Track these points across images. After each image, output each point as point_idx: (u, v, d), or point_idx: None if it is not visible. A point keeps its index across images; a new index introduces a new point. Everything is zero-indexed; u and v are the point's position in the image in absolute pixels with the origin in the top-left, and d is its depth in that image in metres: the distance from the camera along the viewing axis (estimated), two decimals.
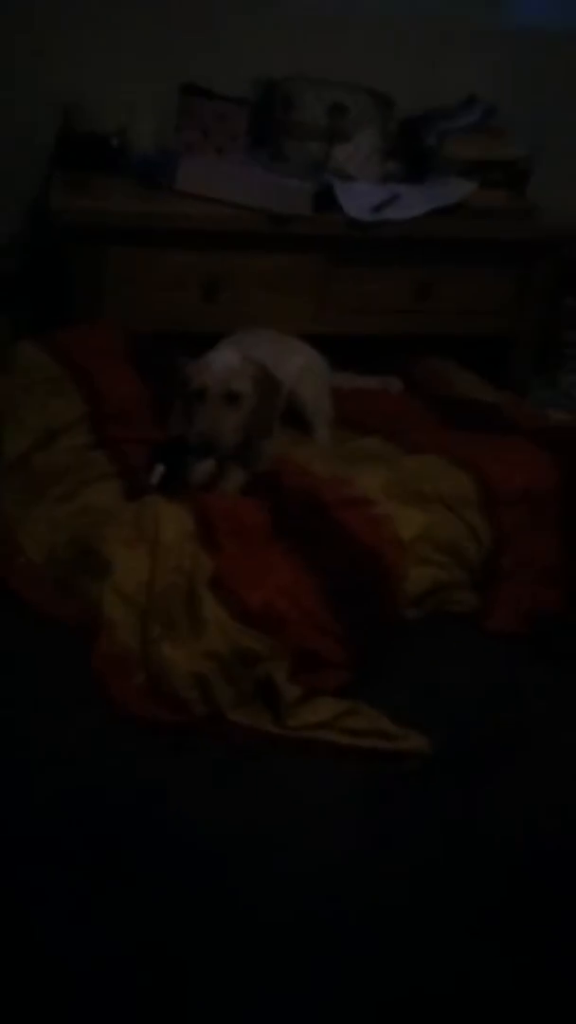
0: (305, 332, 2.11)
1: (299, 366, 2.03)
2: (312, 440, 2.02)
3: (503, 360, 2.34)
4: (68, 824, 1.19)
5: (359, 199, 2.08)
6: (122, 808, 1.23)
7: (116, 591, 1.47)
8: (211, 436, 1.70)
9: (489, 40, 2.34)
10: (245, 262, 2.08)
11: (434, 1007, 1.06)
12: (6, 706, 1.36)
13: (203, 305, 2.10)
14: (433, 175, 2.24)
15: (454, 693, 1.46)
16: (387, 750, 1.35)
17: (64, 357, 1.87)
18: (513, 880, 1.20)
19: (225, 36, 2.20)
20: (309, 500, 1.64)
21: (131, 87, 2.14)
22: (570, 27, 2.40)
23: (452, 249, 2.16)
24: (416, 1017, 1.05)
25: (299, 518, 1.61)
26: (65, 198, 1.99)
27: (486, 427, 1.95)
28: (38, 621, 1.49)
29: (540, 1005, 1.07)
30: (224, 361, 1.76)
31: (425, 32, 2.30)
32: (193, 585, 1.47)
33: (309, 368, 2.07)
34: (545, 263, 2.23)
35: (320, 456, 1.85)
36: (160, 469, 1.70)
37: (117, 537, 1.54)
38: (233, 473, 1.79)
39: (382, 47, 2.29)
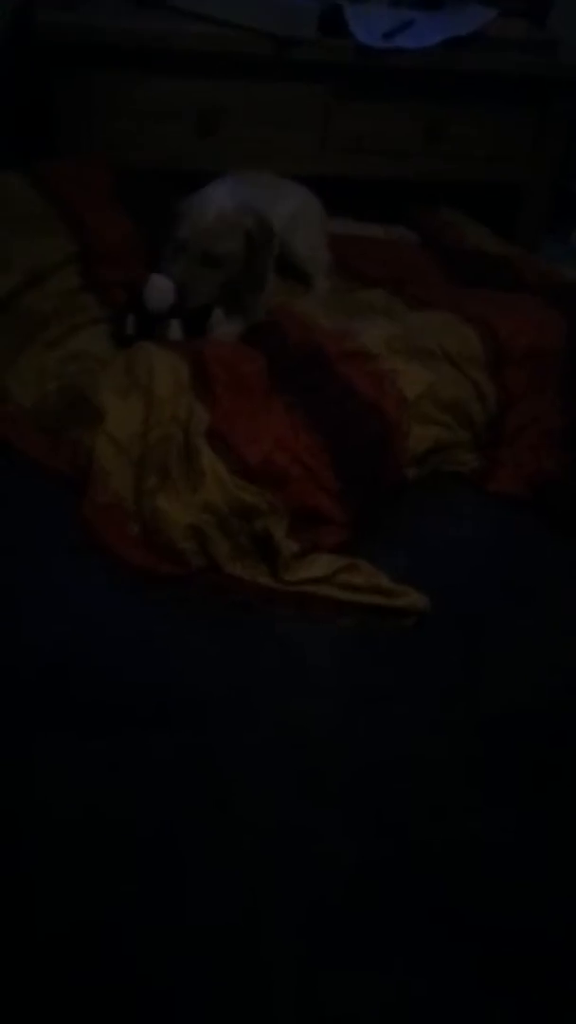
0: (306, 172, 1.98)
1: (291, 211, 1.91)
2: (310, 291, 1.93)
3: (513, 214, 2.22)
4: (60, 678, 1.18)
5: (370, 23, 1.91)
6: (117, 661, 1.21)
7: (109, 440, 1.42)
8: (181, 293, 1.60)
9: None
10: (244, 91, 1.92)
11: (427, 861, 1.08)
12: None
13: (198, 140, 1.95)
14: (449, 0, 2.06)
15: (454, 552, 1.44)
16: (385, 606, 1.34)
17: (51, 193, 1.74)
18: (511, 736, 1.21)
19: None
20: (310, 352, 1.57)
21: None
22: None
23: (467, 84, 2.01)
24: (409, 872, 1.07)
25: (299, 371, 1.55)
26: (49, 11, 1.81)
27: (495, 283, 1.87)
28: (28, 468, 1.43)
29: (539, 859, 1.10)
30: (213, 213, 1.61)
31: None
32: (189, 437, 1.42)
33: (303, 214, 1.94)
34: (565, 104, 2.08)
35: (320, 307, 1.77)
36: (131, 317, 1.60)
37: (109, 385, 1.47)
38: (224, 324, 1.70)
39: None
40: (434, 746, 1.19)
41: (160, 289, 1.60)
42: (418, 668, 1.29)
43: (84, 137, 1.89)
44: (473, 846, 1.09)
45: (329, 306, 1.80)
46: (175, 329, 1.63)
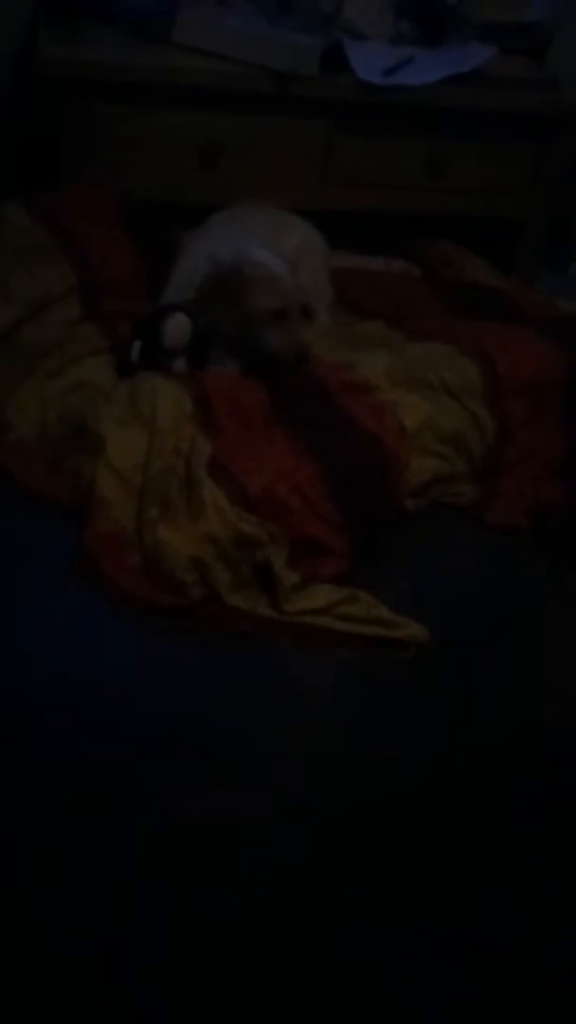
0: (308, 206, 2.00)
1: (296, 244, 1.93)
2: (311, 323, 1.94)
3: (511, 247, 2.24)
4: (59, 708, 1.18)
5: (371, 60, 1.94)
6: (116, 692, 1.21)
7: (110, 470, 1.42)
8: (303, 351, 1.63)
9: None
10: (246, 126, 1.95)
11: (424, 889, 1.07)
12: None
13: (200, 173, 1.98)
14: (450, 38, 2.09)
15: (453, 583, 1.45)
16: (385, 638, 1.34)
17: (53, 222, 1.75)
18: (509, 766, 1.21)
19: None
20: (311, 384, 1.59)
21: None
22: None
23: (467, 121, 2.03)
24: (408, 901, 1.06)
25: (301, 402, 1.56)
26: (53, 46, 1.83)
27: (494, 315, 1.88)
28: (29, 499, 1.44)
29: (536, 888, 1.10)
30: (278, 270, 1.64)
31: None
32: (191, 468, 1.43)
33: (307, 247, 1.96)
34: (565, 141, 2.11)
35: (321, 339, 1.78)
36: (137, 345, 1.61)
37: (111, 415, 1.48)
38: (223, 360, 1.71)
39: None
40: (432, 775, 1.19)
41: (181, 327, 1.61)
42: (416, 698, 1.29)
43: (86, 168, 1.91)
44: (470, 874, 1.10)
45: (329, 338, 1.81)
46: (180, 363, 1.64)
